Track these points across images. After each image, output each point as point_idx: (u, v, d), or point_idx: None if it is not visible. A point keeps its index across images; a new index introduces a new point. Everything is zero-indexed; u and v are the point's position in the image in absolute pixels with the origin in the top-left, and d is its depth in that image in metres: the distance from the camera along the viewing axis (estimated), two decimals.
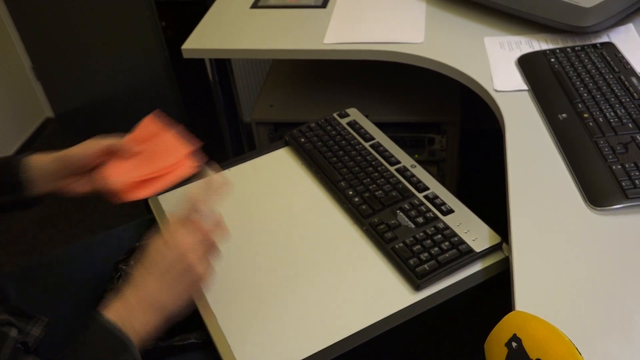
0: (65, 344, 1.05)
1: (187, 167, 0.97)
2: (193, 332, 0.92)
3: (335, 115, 1.24)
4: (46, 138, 2.76)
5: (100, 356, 0.75)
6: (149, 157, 0.99)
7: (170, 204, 1.10)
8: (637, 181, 0.90)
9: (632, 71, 1.14)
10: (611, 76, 1.13)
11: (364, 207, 1.02)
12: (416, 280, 0.89)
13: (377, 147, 1.14)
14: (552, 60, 1.20)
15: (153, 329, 0.78)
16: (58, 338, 1.04)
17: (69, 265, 1.13)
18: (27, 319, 0.95)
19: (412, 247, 0.93)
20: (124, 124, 2.75)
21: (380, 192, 1.04)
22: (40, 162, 0.97)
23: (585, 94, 1.10)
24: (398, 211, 1.00)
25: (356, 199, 1.03)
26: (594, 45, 1.23)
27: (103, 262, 1.10)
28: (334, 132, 1.19)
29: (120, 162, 0.99)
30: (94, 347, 0.76)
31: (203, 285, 0.83)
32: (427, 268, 0.90)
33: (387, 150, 1.13)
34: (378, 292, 0.90)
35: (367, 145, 1.15)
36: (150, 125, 1.01)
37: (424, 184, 1.05)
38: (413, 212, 0.99)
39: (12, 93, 2.61)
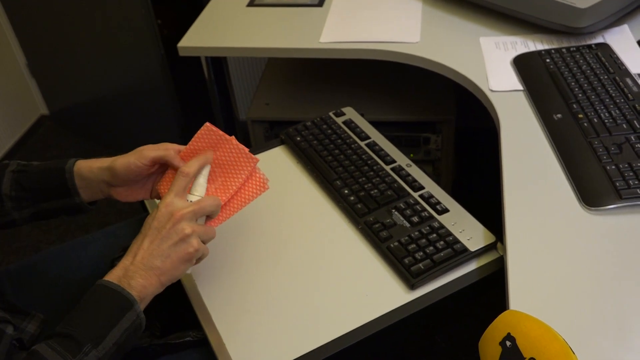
0: None
1: (259, 183, 0.91)
2: (190, 330, 0.92)
3: (331, 114, 1.24)
4: (41, 135, 2.75)
5: (106, 313, 0.76)
6: (211, 175, 0.90)
7: None
8: (630, 182, 0.90)
9: (626, 72, 1.14)
10: (606, 77, 1.13)
11: (359, 206, 1.02)
12: (411, 279, 0.89)
13: (372, 146, 1.14)
14: (548, 60, 1.21)
15: (150, 291, 0.79)
16: None
17: (64, 262, 1.13)
18: (23, 316, 0.95)
19: (407, 246, 0.93)
20: (119, 122, 2.75)
21: (375, 191, 1.04)
22: (89, 170, 0.93)
23: (580, 95, 1.10)
24: (393, 210, 1.00)
25: (351, 198, 1.03)
26: (589, 46, 1.23)
27: (99, 259, 1.10)
28: (329, 131, 1.19)
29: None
30: (99, 305, 0.77)
31: (197, 258, 0.84)
32: (422, 267, 0.90)
33: (382, 149, 1.13)
34: (373, 290, 0.90)
35: (362, 144, 1.15)
36: (206, 136, 0.91)
37: (419, 183, 1.05)
38: (408, 211, 0.99)
39: (6, 90, 2.60)
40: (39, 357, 0.71)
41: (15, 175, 0.94)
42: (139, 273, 0.78)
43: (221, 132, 0.90)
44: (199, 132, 0.91)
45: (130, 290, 0.77)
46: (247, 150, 0.90)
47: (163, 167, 0.93)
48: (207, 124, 0.91)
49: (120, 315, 0.76)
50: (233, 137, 0.90)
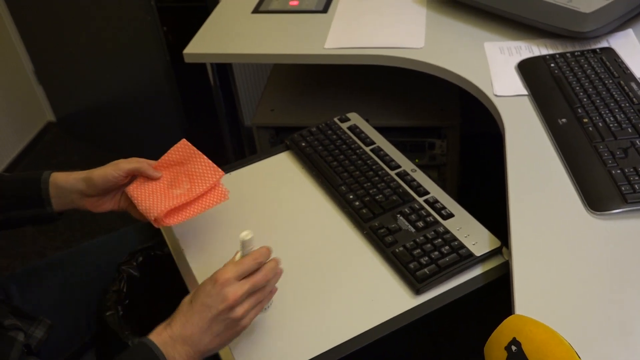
0: (67, 346, 1.05)
1: (220, 194, 0.99)
2: None
3: (336, 119, 1.25)
4: (47, 142, 2.76)
5: None
6: (179, 181, 1.00)
7: None
8: (636, 186, 0.90)
9: (631, 76, 1.14)
10: (611, 81, 1.13)
11: (364, 211, 1.02)
12: (416, 284, 0.89)
13: (377, 151, 1.15)
14: (552, 65, 1.21)
15: None
16: (60, 340, 1.05)
17: (71, 267, 1.13)
18: (30, 321, 0.96)
19: (412, 251, 0.93)
20: (125, 128, 2.76)
21: (380, 196, 1.04)
22: (65, 180, 0.99)
23: (585, 99, 1.10)
24: (398, 215, 1.00)
25: (357, 203, 1.04)
26: (594, 51, 1.23)
27: (105, 264, 1.11)
28: (334, 137, 1.20)
29: (148, 183, 1.00)
30: None
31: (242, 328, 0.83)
32: (427, 272, 0.90)
33: (387, 155, 1.13)
34: (378, 295, 0.90)
35: (367, 149, 1.15)
36: (180, 150, 1.03)
37: (424, 188, 1.05)
38: (413, 216, 0.99)
39: (13, 97, 2.62)
40: None
41: None
42: (184, 348, 0.78)
43: (195, 149, 1.03)
44: (175, 146, 1.02)
45: None
46: (214, 165, 1.01)
47: (132, 180, 1.02)
48: (184, 140, 1.03)
49: None
50: (202, 154, 1.02)
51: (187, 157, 1.02)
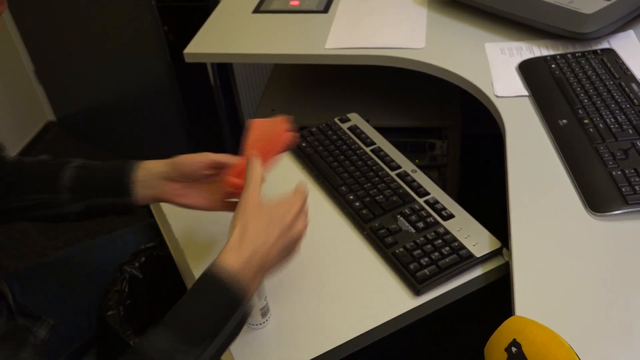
0: (67, 345, 1.05)
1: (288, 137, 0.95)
2: None
3: (336, 119, 1.25)
4: (48, 141, 2.76)
5: (215, 310, 0.73)
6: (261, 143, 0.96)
7: (169, 208, 1.11)
8: (637, 187, 0.90)
9: (632, 77, 1.14)
10: (611, 82, 1.13)
11: (364, 211, 1.02)
12: (416, 285, 0.89)
13: (377, 151, 1.14)
14: (553, 66, 1.21)
15: (254, 289, 0.78)
16: (61, 339, 1.05)
17: (73, 266, 1.13)
18: (33, 320, 0.96)
19: (412, 252, 0.93)
20: (126, 128, 2.76)
21: (380, 196, 1.04)
22: (153, 165, 0.95)
23: (586, 100, 1.10)
24: (398, 216, 1.00)
25: (357, 204, 1.04)
26: (595, 52, 1.23)
27: (107, 264, 1.11)
28: (335, 137, 1.19)
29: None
30: (209, 299, 0.74)
31: (298, 249, 0.84)
32: (428, 273, 0.90)
33: (387, 155, 1.13)
34: (378, 296, 0.90)
35: (368, 150, 1.15)
36: (256, 129, 0.97)
37: (424, 189, 1.05)
38: (413, 217, 0.99)
39: (14, 96, 2.62)
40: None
41: (78, 171, 0.96)
42: (253, 271, 0.76)
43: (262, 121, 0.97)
44: (250, 129, 0.96)
45: (244, 290, 0.75)
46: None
47: (213, 177, 0.96)
48: (253, 120, 0.97)
49: (230, 313, 0.74)
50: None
51: (267, 127, 0.97)
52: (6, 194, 0.95)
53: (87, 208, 0.96)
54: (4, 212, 0.96)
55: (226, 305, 0.74)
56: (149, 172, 0.94)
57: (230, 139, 1.79)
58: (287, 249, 0.81)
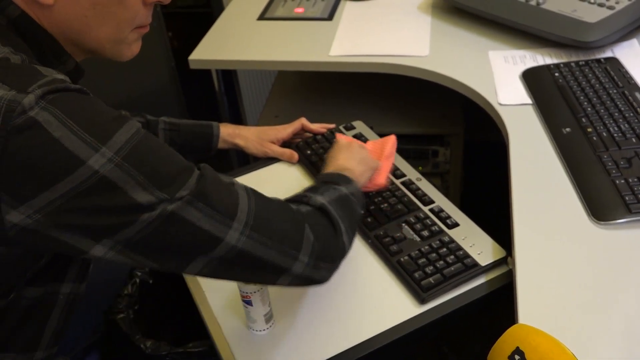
0: (72, 345, 1.06)
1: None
2: (208, 338, 0.93)
3: (341, 127, 1.25)
4: None
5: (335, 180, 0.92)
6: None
7: None
8: None
9: (635, 86, 1.15)
10: (615, 91, 1.14)
11: (369, 219, 1.02)
12: (421, 294, 0.89)
13: None
14: (557, 74, 1.21)
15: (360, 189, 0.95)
16: (67, 339, 1.05)
17: None
18: None
19: (417, 260, 0.93)
20: None
21: (385, 205, 1.04)
22: (235, 131, 1.24)
23: (589, 109, 1.10)
24: (403, 224, 1.01)
25: None
26: (598, 60, 1.24)
27: (117, 268, 1.11)
28: None
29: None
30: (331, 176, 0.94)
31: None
32: (432, 281, 0.90)
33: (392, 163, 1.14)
34: (383, 304, 0.91)
35: None
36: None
37: (429, 197, 1.06)
38: (418, 225, 1.00)
39: None
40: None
41: (169, 133, 1.19)
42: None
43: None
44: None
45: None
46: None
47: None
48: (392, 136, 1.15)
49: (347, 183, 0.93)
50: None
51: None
52: None
53: None
54: None
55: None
56: (230, 135, 1.22)
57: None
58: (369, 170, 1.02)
